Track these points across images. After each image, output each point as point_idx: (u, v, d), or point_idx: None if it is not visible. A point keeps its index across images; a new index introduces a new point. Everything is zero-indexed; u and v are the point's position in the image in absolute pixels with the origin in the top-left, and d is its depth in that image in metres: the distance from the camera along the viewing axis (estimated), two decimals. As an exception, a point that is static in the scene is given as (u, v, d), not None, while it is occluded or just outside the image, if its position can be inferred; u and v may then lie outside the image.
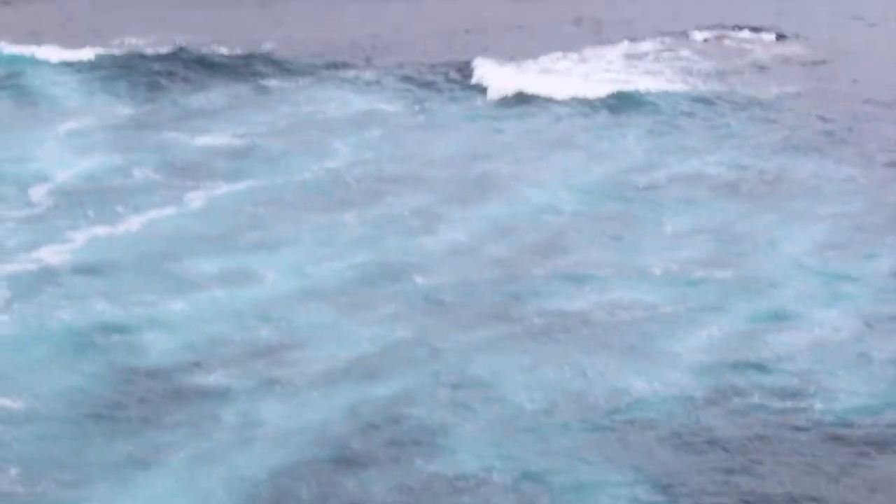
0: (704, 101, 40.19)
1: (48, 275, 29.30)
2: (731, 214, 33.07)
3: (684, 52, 46.55)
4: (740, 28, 51.66)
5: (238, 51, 44.19)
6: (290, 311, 27.77)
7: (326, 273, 29.63)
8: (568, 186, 34.70)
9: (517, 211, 33.24)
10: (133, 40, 44.38)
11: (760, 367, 25.30)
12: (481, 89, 40.48)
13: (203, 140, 37.55)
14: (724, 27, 51.25)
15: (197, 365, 25.42)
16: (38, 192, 33.83)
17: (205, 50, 43.71)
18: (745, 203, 33.81)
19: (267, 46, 44.82)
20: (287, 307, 27.95)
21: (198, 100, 39.72)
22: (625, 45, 46.87)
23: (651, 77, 42.41)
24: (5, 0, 49.60)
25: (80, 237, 31.38)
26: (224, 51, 43.96)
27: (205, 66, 42.53)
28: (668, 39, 47.99)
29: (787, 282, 29.08)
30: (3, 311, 27.45)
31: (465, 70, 41.93)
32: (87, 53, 42.03)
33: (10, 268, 29.54)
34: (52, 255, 30.32)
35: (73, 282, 29.03)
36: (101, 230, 31.81)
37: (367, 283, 29.20)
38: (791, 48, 49.19)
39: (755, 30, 51.53)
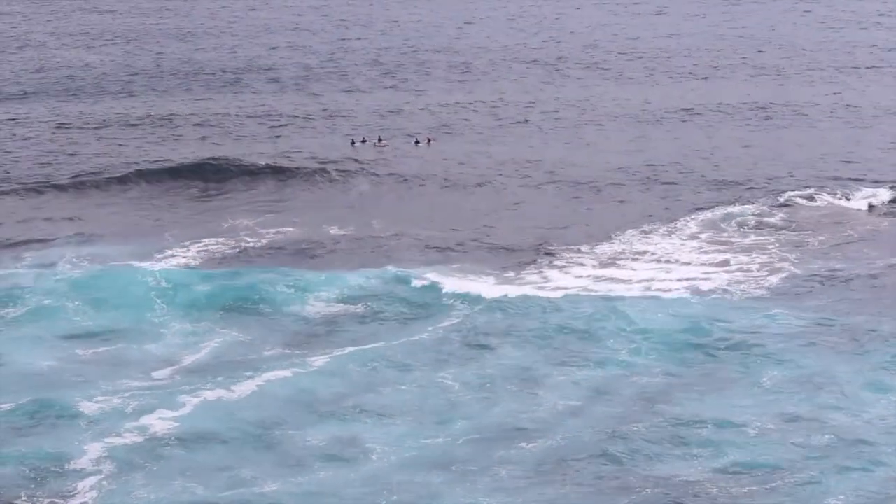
0: (794, 276, 39.80)
1: (151, 445, 29.27)
2: (816, 369, 32.84)
3: (781, 216, 45.48)
4: (856, 183, 49.28)
5: (350, 230, 44.44)
6: (400, 485, 27.27)
7: (434, 440, 29.33)
8: (653, 344, 34.61)
9: (609, 373, 33.05)
10: (246, 221, 45.31)
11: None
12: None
13: (324, 309, 37.73)
14: (840, 179, 50.09)
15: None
16: (163, 372, 33.76)
17: (318, 231, 44.42)
18: (829, 358, 33.53)
19: (376, 226, 45.24)
20: (396, 479, 27.49)
21: (317, 276, 39.96)
22: (718, 211, 46.43)
23: (731, 254, 41.84)
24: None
25: (192, 402, 31.33)
26: (336, 230, 44.42)
27: (318, 246, 43.06)
28: (764, 200, 47.26)
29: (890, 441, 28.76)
30: (94, 489, 27.48)
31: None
32: (205, 247, 42.81)
33: (115, 438, 29.53)
34: (160, 422, 30.29)
35: (173, 454, 28.95)
36: (213, 395, 31.77)
37: (476, 448, 28.91)
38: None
39: (870, 183, 49.39)
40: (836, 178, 51.33)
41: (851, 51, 77.46)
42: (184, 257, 42.71)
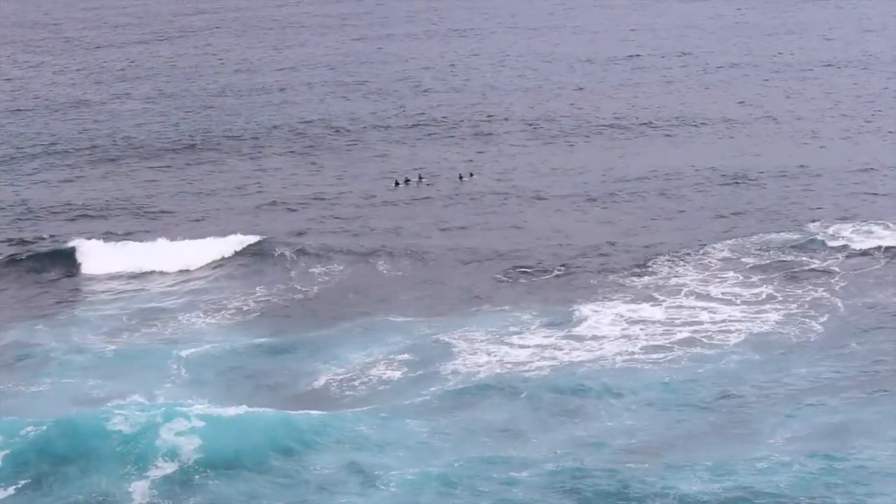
0: (809, 308, 39.87)
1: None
2: (829, 409, 32.97)
3: (804, 258, 44.63)
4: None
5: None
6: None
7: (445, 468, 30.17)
8: (661, 395, 34.40)
9: (610, 427, 32.91)
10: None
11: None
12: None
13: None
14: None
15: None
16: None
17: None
18: (844, 400, 33.56)
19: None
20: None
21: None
22: (753, 245, 45.52)
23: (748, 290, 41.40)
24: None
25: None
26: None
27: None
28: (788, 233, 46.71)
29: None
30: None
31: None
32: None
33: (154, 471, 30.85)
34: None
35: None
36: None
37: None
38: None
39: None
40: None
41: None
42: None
